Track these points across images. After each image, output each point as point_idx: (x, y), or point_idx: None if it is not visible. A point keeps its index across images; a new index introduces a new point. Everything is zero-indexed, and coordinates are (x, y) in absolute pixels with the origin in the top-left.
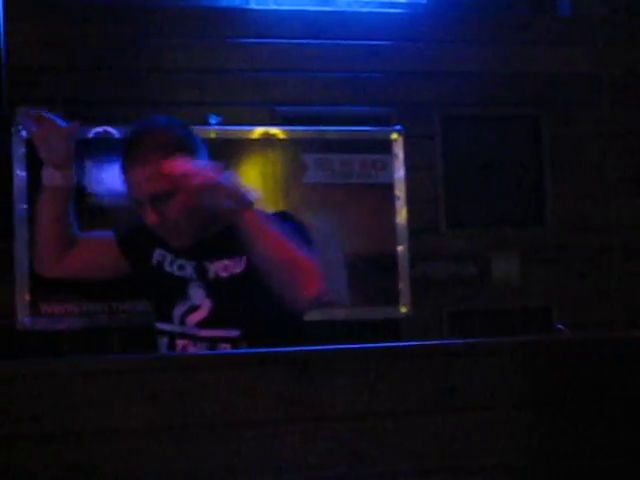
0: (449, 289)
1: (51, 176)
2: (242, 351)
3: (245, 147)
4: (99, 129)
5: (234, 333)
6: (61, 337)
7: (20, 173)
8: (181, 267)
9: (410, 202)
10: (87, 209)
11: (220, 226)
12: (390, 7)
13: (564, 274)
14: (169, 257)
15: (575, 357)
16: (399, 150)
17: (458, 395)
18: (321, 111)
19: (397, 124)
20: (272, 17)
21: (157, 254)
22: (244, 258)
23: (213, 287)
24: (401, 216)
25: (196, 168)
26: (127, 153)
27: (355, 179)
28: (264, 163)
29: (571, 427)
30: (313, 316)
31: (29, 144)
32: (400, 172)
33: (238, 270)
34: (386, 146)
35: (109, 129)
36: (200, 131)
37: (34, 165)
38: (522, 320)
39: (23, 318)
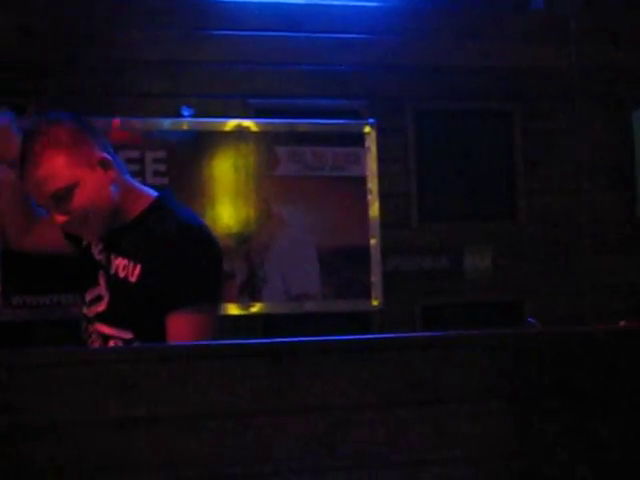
0: (421, 283)
1: (3, 172)
2: (217, 343)
3: (217, 139)
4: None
5: (127, 335)
6: (33, 328)
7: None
8: (100, 252)
9: (382, 195)
10: None
11: (127, 220)
12: (363, 1)
13: (535, 268)
14: (97, 244)
15: (544, 351)
16: (372, 143)
17: (428, 387)
18: (293, 103)
19: (370, 117)
20: (244, 9)
21: (94, 243)
22: (138, 267)
23: (112, 282)
24: (373, 209)
25: None
26: (20, 162)
27: (327, 172)
28: (236, 155)
29: (538, 421)
30: (286, 309)
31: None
32: (372, 165)
33: (132, 279)
34: (359, 139)
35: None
36: (173, 123)
37: None
38: (493, 314)
39: None
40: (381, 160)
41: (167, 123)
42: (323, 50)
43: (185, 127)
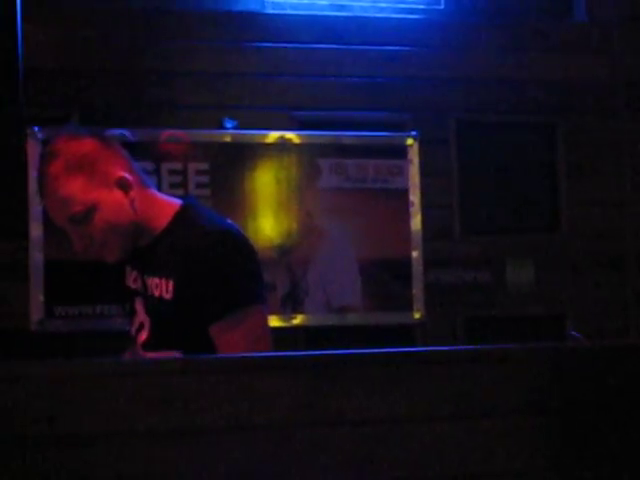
0: (463, 295)
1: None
2: (257, 355)
3: (260, 151)
4: (115, 132)
5: (176, 354)
6: (75, 339)
7: (35, 174)
8: (135, 279)
9: (425, 208)
10: None
11: (154, 234)
12: (407, 13)
13: (579, 281)
14: (131, 272)
15: (589, 365)
16: (414, 156)
17: (471, 401)
18: (336, 116)
19: (412, 130)
20: (288, 22)
21: (127, 270)
22: (171, 284)
23: (150, 305)
24: (415, 222)
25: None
26: (38, 182)
27: (370, 184)
28: (279, 167)
29: (582, 436)
30: (327, 321)
31: (45, 145)
32: (415, 178)
33: (167, 296)
34: (401, 151)
35: (124, 132)
36: (216, 135)
37: None
38: (536, 327)
39: (37, 319)
40: (423, 172)
41: (210, 135)
42: (366, 62)
43: (228, 139)
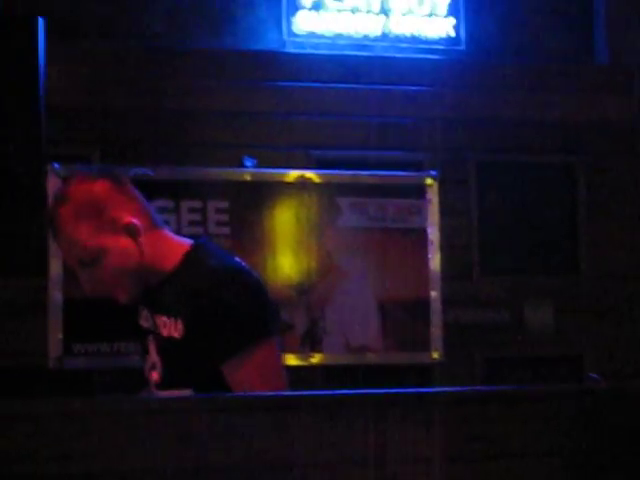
0: (481, 336)
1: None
2: (271, 395)
3: (280, 190)
4: (136, 170)
5: (187, 393)
6: (92, 376)
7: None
8: (146, 318)
9: (444, 248)
10: None
11: (163, 275)
12: (428, 53)
13: (598, 323)
14: (143, 312)
15: (608, 407)
16: (433, 195)
17: (488, 442)
18: (356, 155)
19: (432, 169)
20: (308, 61)
21: (140, 308)
22: (179, 322)
23: (160, 344)
24: (434, 261)
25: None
26: (50, 222)
27: (389, 223)
28: (298, 206)
29: (602, 478)
30: (346, 360)
31: (64, 182)
32: (434, 217)
33: (176, 335)
34: (420, 191)
35: (145, 170)
36: (235, 173)
37: None
38: (554, 368)
39: (55, 357)
40: (443, 212)
41: (230, 173)
42: (386, 102)
43: (247, 177)
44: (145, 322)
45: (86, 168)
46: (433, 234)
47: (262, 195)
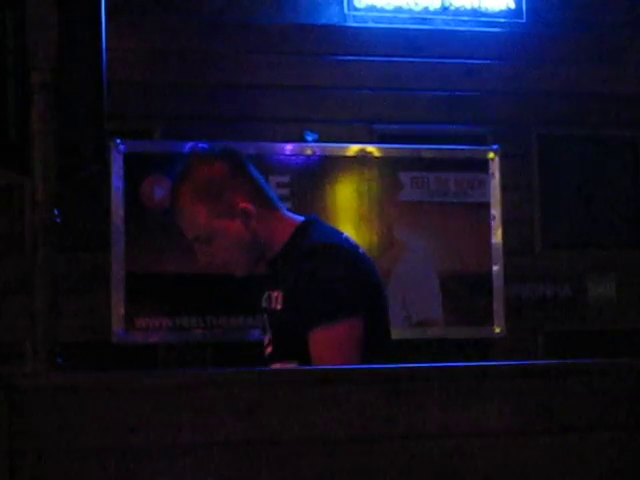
0: (544, 310)
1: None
2: (335, 367)
3: (341, 164)
4: (194, 145)
5: (293, 365)
6: (155, 351)
7: (117, 186)
8: (265, 298)
9: (506, 222)
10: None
11: (276, 250)
12: (488, 26)
13: None
14: (264, 293)
15: None
16: (495, 169)
17: (552, 416)
18: (418, 129)
19: (494, 143)
20: (370, 35)
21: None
22: (281, 295)
23: (270, 318)
24: (497, 236)
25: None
26: (170, 199)
27: (451, 198)
28: (360, 181)
29: None
30: (408, 334)
31: (127, 158)
32: (496, 191)
33: (279, 307)
34: (483, 165)
35: (202, 145)
36: (297, 148)
37: (131, 179)
38: (618, 342)
39: (118, 331)
40: (505, 186)
41: (291, 148)
42: (447, 76)
43: (309, 152)
44: (264, 302)
45: (207, 146)
46: (495, 208)
47: (323, 169)
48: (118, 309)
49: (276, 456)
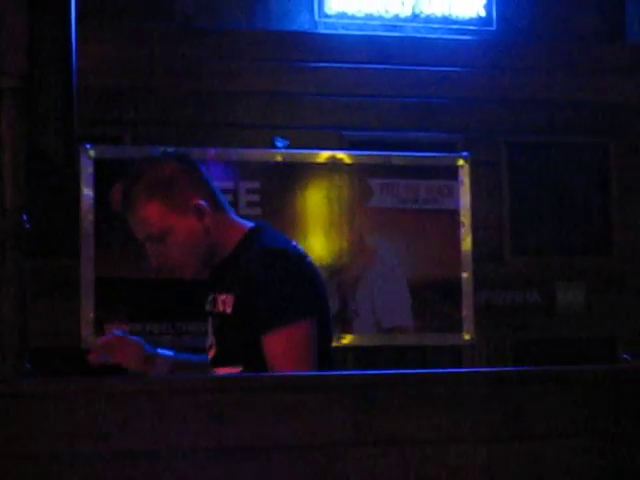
0: (513, 317)
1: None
2: (308, 374)
3: (311, 171)
4: (164, 150)
5: (236, 370)
6: None
7: (87, 192)
8: (209, 301)
9: (475, 229)
10: None
11: (225, 254)
12: (459, 34)
13: (630, 304)
14: (210, 295)
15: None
16: (465, 176)
17: (519, 423)
18: (387, 136)
19: (463, 151)
20: (340, 42)
21: (209, 295)
22: (231, 298)
23: (215, 322)
24: (466, 243)
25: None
26: (121, 200)
27: (421, 205)
28: (330, 187)
29: (632, 458)
30: (377, 341)
31: (97, 164)
32: (466, 198)
33: (228, 310)
34: (452, 172)
35: (171, 150)
36: (266, 154)
37: (101, 184)
38: (586, 350)
39: (87, 336)
40: (474, 193)
41: (261, 154)
42: (417, 83)
43: (279, 158)
44: (208, 306)
45: (155, 150)
46: (464, 215)
47: (293, 176)
48: (87, 314)
49: (245, 463)
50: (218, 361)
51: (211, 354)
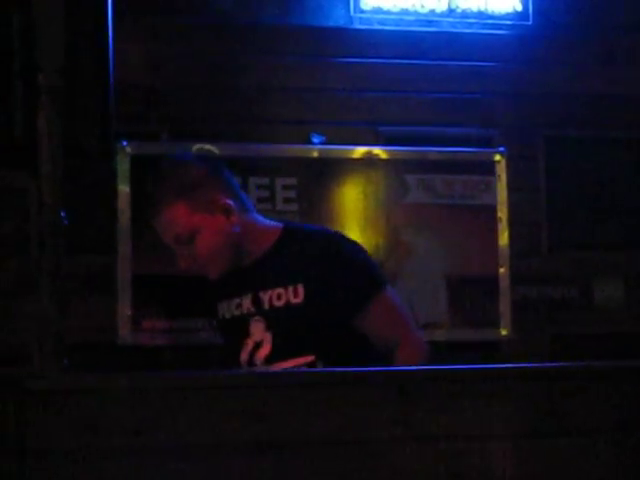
0: (550, 312)
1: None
2: (342, 370)
3: (347, 167)
4: (201, 147)
5: (308, 359)
6: (161, 352)
7: (124, 189)
8: (239, 305)
9: (512, 224)
10: None
11: (258, 254)
12: (495, 28)
13: None
14: (226, 304)
15: None
16: (502, 172)
17: (557, 419)
18: (424, 132)
19: (500, 145)
20: (376, 37)
21: (220, 307)
22: (300, 288)
23: (270, 318)
24: (503, 238)
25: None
26: (147, 202)
27: (457, 200)
28: (366, 183)
29: None
30: None
31: (134, 160)
32: (503, 194)
33: (295, 300)
34: (489, 167)
35: (208, 146)
36: (303, 150)
37: (138, 181)
38: (625, 345)
39: (124, 333)
40: (511, 188)
41: (297, 150)
42: (454, 78)
43: (315, 154)
44: (237, 310)
45: (182, 154)
46: (501, 211)
47: (329, 172)
48: (124, 311)
49: (284, 459)
50: (278, 356)
51: (263, 352)
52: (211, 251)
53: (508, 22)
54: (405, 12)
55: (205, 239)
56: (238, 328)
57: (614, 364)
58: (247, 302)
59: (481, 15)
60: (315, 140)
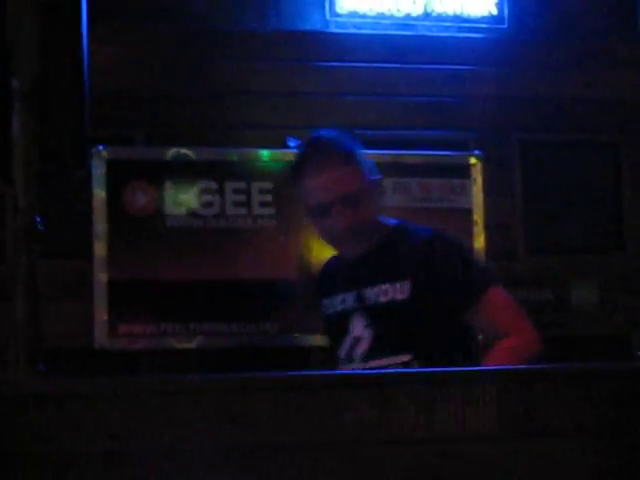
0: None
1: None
2: (314, 373)
3: None
4: (177, 151)
5: (405, 358)
6: (138, 357)
7: (100, 193)
8: (343, 301)
9: (488, 227)
10: (165, 231)
11: (367, 247)
12: (470, 32)
13: None
14: (330, 300)
15: None
16: (478, 175)
17: (532, 421)
18: (400, 135)
19: (476, 149)
20: (352, 41)
21: (325, 303)
22: (407, 284)
23: (372, 314)
24: (479, 241)
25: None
26: (311, 159)
27: (433, 203)
28: None
29: None
30: None
31: (110, 164)
32: (478, 197)
33: (401, 297)
34: (465, 171)
35: (184, 150)
36: (279, 154)
37: (114, 185)
38: (600, 347)
39: (100, 337)
40: (487, 192)
41: (273, 154)
42: (429, 82)
43: (292, 158)
44: (342, 304)
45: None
46: (477, 214)
47: None
48: (101, 316)
49: (260, 463)
50: (375, 353)
51: (361, 348)
52: (369, 216)
53: (484, 25)
54: (381, 16)
55: (369, 202)
56: (339, 324)
57: (590, 366)
58: (351, 298)
59: (457, 19)
60: (291, 144)
